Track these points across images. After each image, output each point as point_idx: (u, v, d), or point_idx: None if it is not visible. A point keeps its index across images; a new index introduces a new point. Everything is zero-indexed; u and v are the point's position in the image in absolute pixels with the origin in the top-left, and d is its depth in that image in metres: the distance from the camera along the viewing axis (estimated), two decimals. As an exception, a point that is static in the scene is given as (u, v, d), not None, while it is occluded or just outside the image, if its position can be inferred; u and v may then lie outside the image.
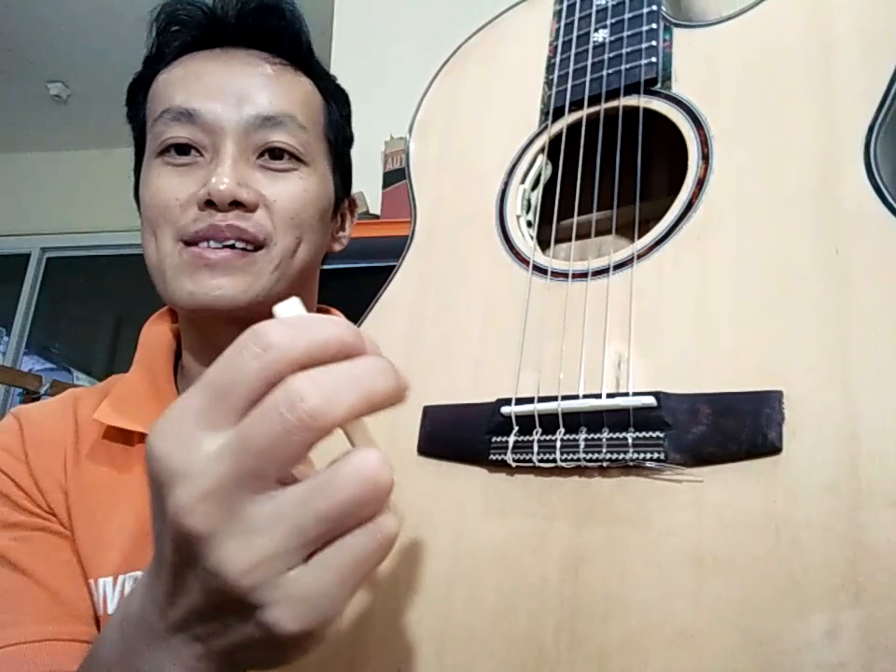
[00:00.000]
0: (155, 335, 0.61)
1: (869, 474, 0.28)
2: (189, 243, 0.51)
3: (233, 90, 0.52)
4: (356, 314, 0.46)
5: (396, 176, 1.43)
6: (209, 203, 0.50)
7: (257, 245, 0.51)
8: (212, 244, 0.50)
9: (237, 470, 0.23)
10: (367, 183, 1.46)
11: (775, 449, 0.30)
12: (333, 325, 0.25)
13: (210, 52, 0.55)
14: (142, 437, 0.53)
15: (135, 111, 0.58)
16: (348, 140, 0.62)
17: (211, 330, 0.56)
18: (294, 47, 0.57)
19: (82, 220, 3.26)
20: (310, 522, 0.23)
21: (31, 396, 1.92)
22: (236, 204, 0.50)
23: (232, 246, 0.50)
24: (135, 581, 0.47)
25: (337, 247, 0.62)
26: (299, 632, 0.23)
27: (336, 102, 0.60)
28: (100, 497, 0.52)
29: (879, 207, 0.32)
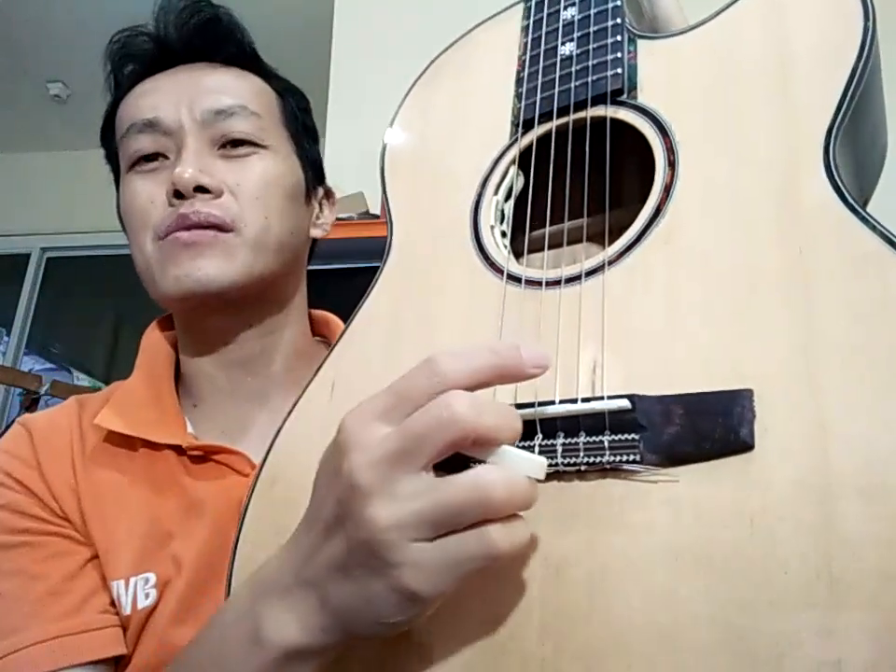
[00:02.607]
0: (155, 341, 0.62)
1: (838, 468, 0.28)
2: (164, 236, 0.53)
3: (186, 94, 0.56)
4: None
5: None
6: (176, 195, 0.53)
7: (226, 228, 0.53)
8: (183, 230, 0.52)
9: (398, 448, 0.29)
10: (367, 183, 1.45)
11: (747, 446, 0.30)
12: (491, 354, 0.31)
13: (163, 73, 0.59)
14: (144, 442, 0.54)
15: (109, 144, 0.61)
16: (310, 132, 0.65)
17: (205, 326, 0.57)
18: (238, 51, 0.60)
19: (82, 220, 3.25)
20: (432, 506, 0.29)
21: (31, 396, 1.91)
22: (202, 191, 0.53)
23: (205, 229, 0.53)
24: (146, 582, 0.50)
25: (318, 233, 0.64)
26: (414, 593, 0.29)
27: (292, 96, 0.63)
28: (109, 500, 0.53)
29: (840, 207, 0.33)
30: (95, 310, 3.46)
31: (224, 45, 0.60)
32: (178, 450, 0.54)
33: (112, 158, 0.61)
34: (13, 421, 0.59)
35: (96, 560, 0.51)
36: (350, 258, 1.04)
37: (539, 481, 0.31)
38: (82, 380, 2.92)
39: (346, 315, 0.64)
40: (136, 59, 0.60)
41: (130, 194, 0.55)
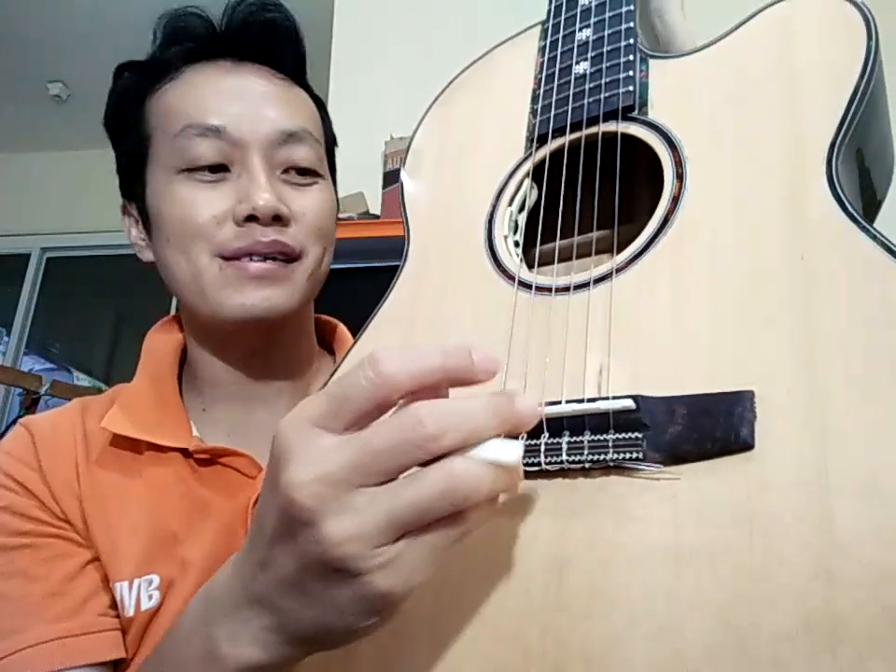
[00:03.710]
0: (161, 343, 0.61)
1: (837, 468, 0.29)
2: (229, 258, 0.52)
3: (253, 103, 0.54)
4: (355, 314, 0.48)
5: (396, 177, 1.41)
6: (249, 219, 0.51)
7: (292, 258, 0.54)
8: (254, 258, 0.52)
9: (354, 463, 0.27)
10: (367, 183, 1.46)
11: (747, 446, 0.31)
12: (440, 355, 0.28)
13: (218, 65, 0.56)
14: (149, 445, 0.54)
15: (129, 120, 0.57)
16: (335, 145, 0.64)
17: (229, 339, 0.57)
18: (298, 64, 0.59)
19: (82, 220, 3.26)
20: (399, 508, 0.27)
21: (31, 396, 1.90)
22: (276, 219, 0.52)
23: (273, 259, 0.53)
24: (150, 584, 0.50)
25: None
26: (385, 595, 0.28)
27: (324, 110, 0.62)
28: (112, 502, 0.53)
29: (841, 216, 0.34)
30: (95, 310, 3.49)
31: (287, 55, 0.58)
32: (184, 453, 0.54)
33: (132, 137, 0.57)
34: (14, 421, 0.59)
35: (97, 562, 0.51)
36: (349, 258, 1.04)
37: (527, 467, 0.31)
38: (82, 380, 2.92)
39: (345, 314, 0.64)
40: (189, 38, 0.56)
41: (184, 203, 0.52)
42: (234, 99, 0.54)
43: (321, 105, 0.62)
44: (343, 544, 0.27)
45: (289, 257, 0.53)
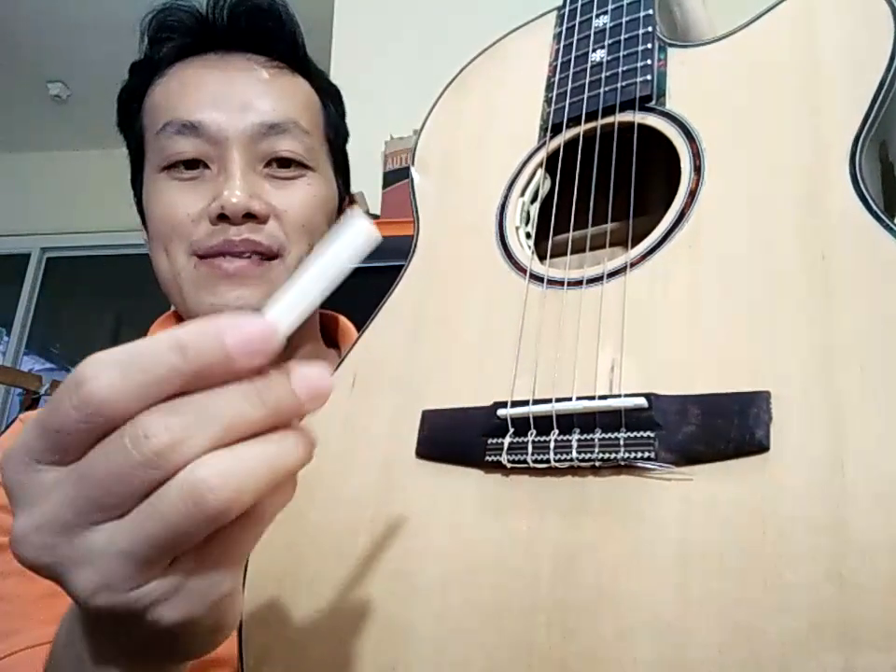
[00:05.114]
0: None
1: (853, 471, 0.28)
2: (204, 256, 0.51)
3: (235, 97, 0.52)
4: (356, 313, 0.47)
5: (396, 176, 1.41)
6: (222, 217, 0.50)
7: (271, 256, 0.52)
8: (228, 256, 0.51)
9: (78, 501, 0.22)
10: (367, 183, 1.46)
11: (762, 447, 0.30)
12: (173, 353, 0.22)
13: (205, 59, 0.55)
14: None
15: (130, 121, 0.57)
16: (345, 137, 0.62)
17: None
18: (290, 48, 0.57)
19: (82, 220, 3.26)
20: (141, 541, 0.22)
21: (31, 396, 1.90)
22: (249, 217, 0.50)
23: (249, 257, 0.51)
24: None
25: None
26: (174, 624, 0.23)
27: (332, 100, 0.60)
28: None
29: (864, 215, 0.33)
30: (95, 310, 3.47)
31: (276, 40, 0.56)
32: None
33: (132, 135, 0.56)
34: (13, 420, 0.58)
35: None
36: (349, 257, 1.04)
37: None
38: (82, 380, 2.94)
39: (345, 314, 0.63)
40: (177, 33, 0.55)
41: (164, 202, 0.52)
42: (215, 94, 0.52)
43: (329, 92, 0.60)
44: (96, 595, 0.22)
45: (266, 255, 0.52)
